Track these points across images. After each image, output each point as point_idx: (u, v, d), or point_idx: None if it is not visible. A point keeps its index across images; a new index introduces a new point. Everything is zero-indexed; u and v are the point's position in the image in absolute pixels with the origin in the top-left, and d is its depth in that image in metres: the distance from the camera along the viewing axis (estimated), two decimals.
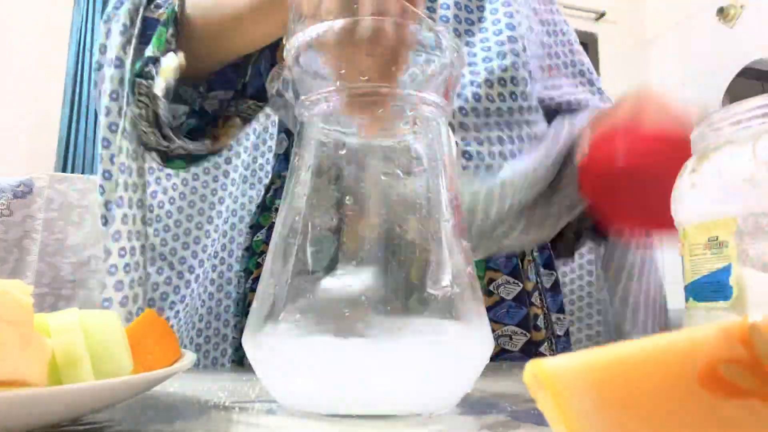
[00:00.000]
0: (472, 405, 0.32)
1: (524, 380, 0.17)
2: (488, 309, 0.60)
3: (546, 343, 0.62)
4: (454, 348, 0.29)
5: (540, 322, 0.62)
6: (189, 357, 0.33)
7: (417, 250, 0.31)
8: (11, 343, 0.22)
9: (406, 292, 0.30)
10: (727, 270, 0.39)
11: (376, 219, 0.32)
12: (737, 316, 0.37)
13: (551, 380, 0.16)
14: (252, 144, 0.67)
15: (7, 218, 0.95)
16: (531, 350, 0.61)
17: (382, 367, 0.28)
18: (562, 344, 0.67)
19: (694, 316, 0.41)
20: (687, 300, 0.42)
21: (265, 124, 0.66)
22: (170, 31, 0.47)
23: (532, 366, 0.17)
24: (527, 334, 0.61)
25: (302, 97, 0.34)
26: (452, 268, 0.31)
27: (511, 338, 0.60)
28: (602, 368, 0.16)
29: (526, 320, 0.61)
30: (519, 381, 0.18)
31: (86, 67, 2.88)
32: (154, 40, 0.47)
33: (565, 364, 0.16)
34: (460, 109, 0.58)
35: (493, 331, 0.60)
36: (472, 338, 0.31)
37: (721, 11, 2.60)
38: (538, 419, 0.28)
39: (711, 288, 0.39)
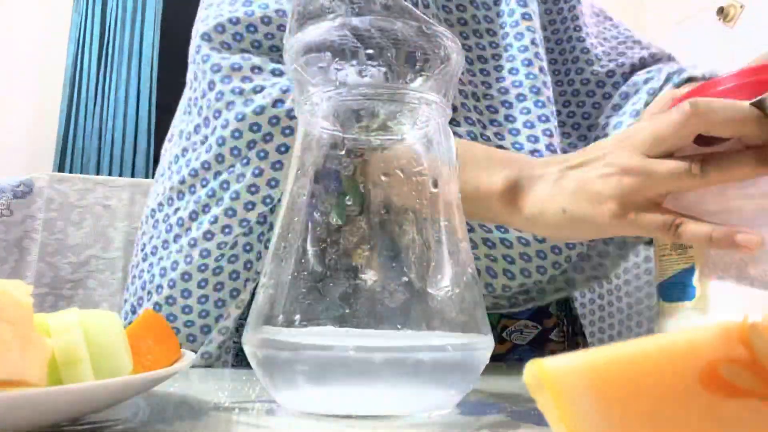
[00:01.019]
0: (472, 405, 0.32)
1: (524, 380, 0.17)
2: None
3: (557, 329, 0.62)
4: (454, 348, 0.29)
5: (552, 307, 0.62)
6: (189, 357, 0.33)
7: (417, 251, 0.31)
8: (11, 343, 0.22)
9: (406, 292, 0.30)
10: (690, 271, 0.39)
11: (376, 219, 0.32)
12: (701, 315, 0.38)
13: (551, 380, 0.16)
14: None
15: (7, 218, 0.95)
16: (541, 340, 0.61)
17: (382, 367, 0.28)
18: (579, 322, 0.66)
19: (662, 315, 0.41)
20: (658, 300, 0.42)
21: None
22: None
23: (532, 366, 0.17)
24: (539, 326, 0.60)
25: (302, 97, 0.34)
26: (452, 268, 0.31)
27: (521, 332, 0.60)
28: (602, 368, 0.16)
29: (539, 311, 0.61)
30: (519, 381, 0.18)
31: (85, 67, 2.88)
32: None
33: (565, 364, 0.16)
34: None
35: (506, 327, 0.60)
36: (473, 338, 0.31)
37: (721, 11, 2.60)
38: (538, 419, 0.28)
39: (677, 288, 0.40)
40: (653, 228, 0.38)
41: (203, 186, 0.53)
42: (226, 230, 0.51)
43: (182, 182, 0.54)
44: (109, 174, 2.82)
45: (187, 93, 0.59)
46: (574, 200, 0.40)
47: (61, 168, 2.75)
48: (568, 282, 0.56)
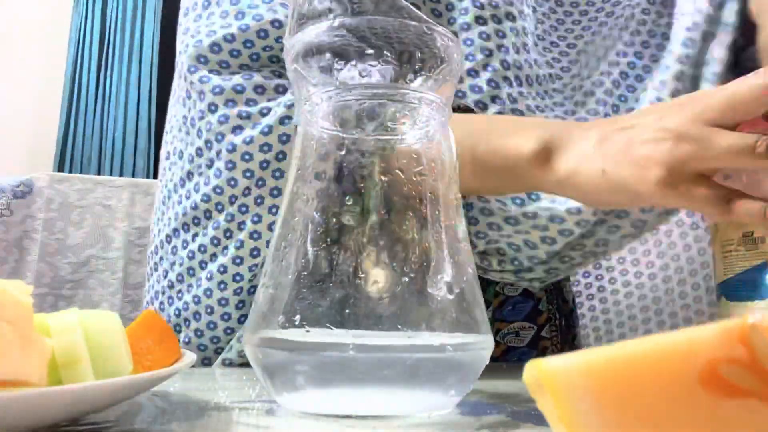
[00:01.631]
0: (472, 405, 0.32)
1: (524, 380, 0.17)
2: (493, 310, 0.60)
3: (548, 325, 0.61)
4: (454, 348, 0.29)
5: (542, 304, 0.62)
6: (189, 357, 0.33)
7: (417, 251, 0.31)
8: (11, 343, 0.22)
9: (406, 292, 0.30)
10: (763, 267, 0.37)
11: (376, 219, 0.32)
12: None
13: (551, 380, 0.16)
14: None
15: (7, 218, 0.95)
16: (537, 340, 0.60)
17: (382, 367, 0.28)
18: (569, 311, 0.65)
19: (727, 316, 0.39)
20: (719, 299, 0.40)
21: None
22: None
23: (532, 366, 0.17)
24: (534, 326, 0.60)
25: (302, 97, 0.34)
26: (453, 268, 0.31)
27: (517, 334, 0.59)
28: (602, 368, 0.16)
29: (534, 312, 0.60)
30: (519, 381, 0.18)
31: (85, 67, 2.88)
32: None
33: (565, 364, 0.16)
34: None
35: (499, 330, 0.59)
36: (473, 338, 0.31)
37: None
38: (538, 419, 0.28)
39: (746, 287, 0.38)
40: (703, 201, 0.35)
41: (219, 211, 0.52)
42: (255, 252, 0.52)
43: (194, 208, 0.54)
44: (109, 174, 2.82)
45: (180, 110, 0.58)
46: (616, 162, 0.37)
47: (61, 168, 2.75)
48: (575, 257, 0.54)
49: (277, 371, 0.30)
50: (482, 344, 0.31)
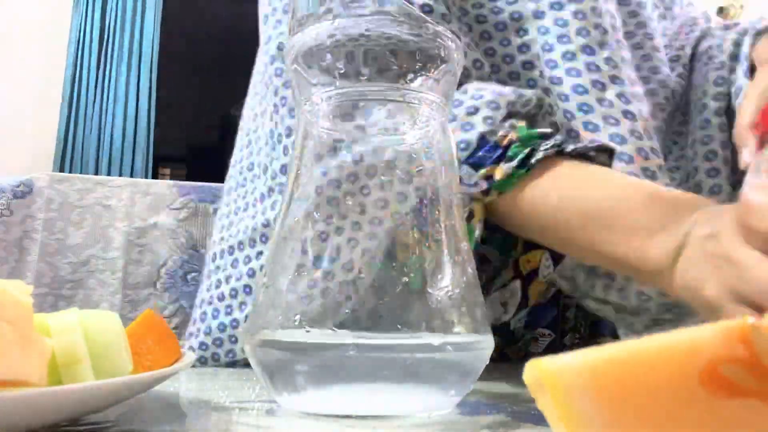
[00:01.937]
0: (472, 405, 0.32)
1: (524, 380, 0.17)
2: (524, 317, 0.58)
3: (570, 334, 0.59)
4: (454, 348, 0.29)
5: (570, 312, 0.60)
6: (189, 357, 0.33)
7: (417, 251, 0.31)
8: (11, 343, 0.22)
9: (406, 292, 0.30)
10: None
11: (375, 219, 0.32)
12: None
13: (551, 380, 0.16)
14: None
15: (7, 218, 0.95)
16: (555, 347, 0.59)
17: (382, 367, 0.28)
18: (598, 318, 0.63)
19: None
20: None
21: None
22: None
23: (532, 366, 0.17)
24: (554, 333, 0.59)
25: (302, 97, 0.34)
26: (452, 268, 0.31)
27: (537, 340, 0.59)
28: (602, 368, 0.16)
29: (556, 320, 0.60)
30: (519, 381, 0.18)
31: (85, 67, 2.88)
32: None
33: (565, 364, 0.16)
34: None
35: (522, 336, 0.59)
36: (473, 338, 0.31)
37: (721, 11, 2.60)
38: (538, 419, 0.28)
39: None
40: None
41: None
42: None
43: (266, 225, 0.51)
44: (109, 174, 2.82)
45: (267, 123, 0.54)
46: (695, 280, 0.35)
47: (61, 168, 2.75)
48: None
49: (277, 371, 0.30)
50: (482, 344, 0.31)
